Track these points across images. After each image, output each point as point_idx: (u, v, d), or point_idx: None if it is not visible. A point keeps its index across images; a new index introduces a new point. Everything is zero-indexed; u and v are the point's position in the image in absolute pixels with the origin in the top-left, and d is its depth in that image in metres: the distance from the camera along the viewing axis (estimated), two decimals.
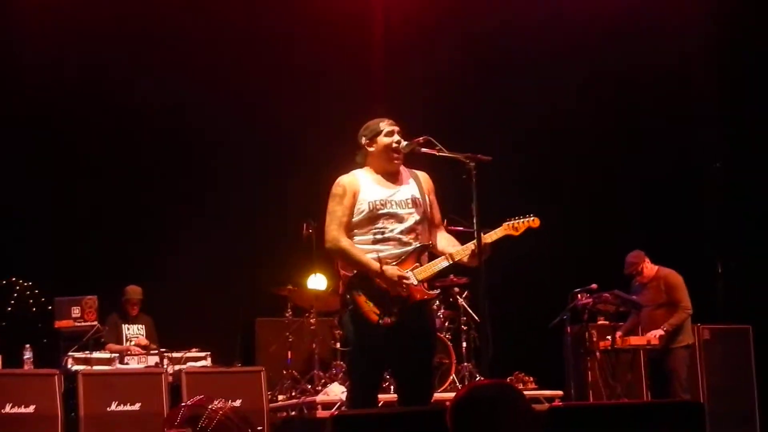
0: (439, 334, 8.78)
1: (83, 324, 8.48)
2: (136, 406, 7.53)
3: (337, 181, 5.20)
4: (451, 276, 9.15)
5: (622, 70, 10.62)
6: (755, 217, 10.68)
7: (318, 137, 9.77)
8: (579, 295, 8.61)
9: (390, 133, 5.18)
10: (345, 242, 5.06)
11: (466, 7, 10.52)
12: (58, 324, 8.59)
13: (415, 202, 5.16)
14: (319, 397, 8.17)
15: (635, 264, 8.61)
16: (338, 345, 8.74)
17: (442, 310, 9.06)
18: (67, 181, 9.81)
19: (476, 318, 8.88)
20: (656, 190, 10.94)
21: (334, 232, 5.07)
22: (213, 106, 10.21)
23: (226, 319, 10.22)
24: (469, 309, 9.05)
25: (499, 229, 5.20)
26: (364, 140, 5.23)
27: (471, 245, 5.08)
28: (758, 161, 10.61)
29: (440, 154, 5.25)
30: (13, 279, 9.48)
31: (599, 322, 9.09)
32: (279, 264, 9.78)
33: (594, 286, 8.56)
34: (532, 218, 5.23)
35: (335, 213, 5.10)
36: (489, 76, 10.67)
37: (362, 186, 5.14)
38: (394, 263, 5.02)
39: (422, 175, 5.32)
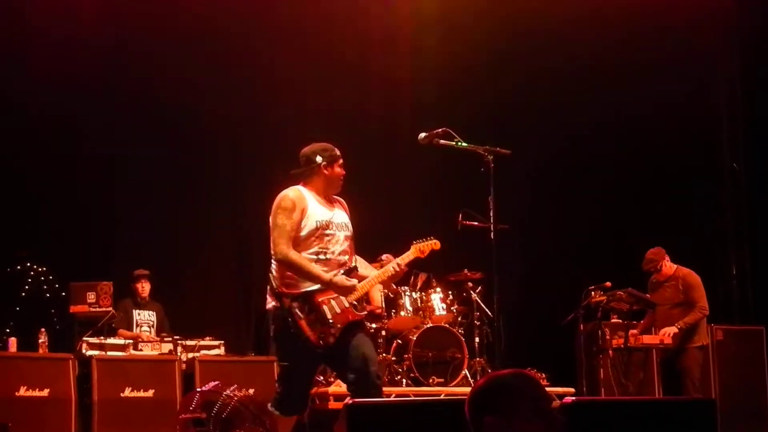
0: (452, 328, 8.81)
1: (98, 309, 8.48)
2: (150, 393, 7.58)
3: (284, 194, 5.37)
4: (465, 270, 9.15)
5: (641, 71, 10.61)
6: None
7: (330, 128, 9.76)
8: (593, 293, 8.58)
9: (342, 166, 5.43)
10: (295, 255, 5.27)
11: None
12: (73, 309, 8.59)
13: (347, 226, 5.44)
14: (332, 389, 8.16)
15: (655, 261, 8.51)
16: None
17: (455, 306, 9.06)
18: (81, 167, 9.77)
19: (489, 313, 8.88)
20: (674, 190, 10.90)
21: (283, 245, 5.27)
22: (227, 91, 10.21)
23: (240, 308, 10.24)
24: (482, 304, 9.04)
25: (409, 252, 5.50)
26: (321, 161, 5.37)
27: (392, 266, 5.45)
28: None
29: (459, 146, 5.28)
30: (28, 264, 9.48)
31: (612, 320, 9.06)
32: None
33: (608, 283, 8.52)
34: (433, 241, 5.50)
35: (284, 227, 5.28)
36: (510, 70, 10.65)
37: (309, 203, 5.33)
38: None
39: (342, 201, 5.56)
